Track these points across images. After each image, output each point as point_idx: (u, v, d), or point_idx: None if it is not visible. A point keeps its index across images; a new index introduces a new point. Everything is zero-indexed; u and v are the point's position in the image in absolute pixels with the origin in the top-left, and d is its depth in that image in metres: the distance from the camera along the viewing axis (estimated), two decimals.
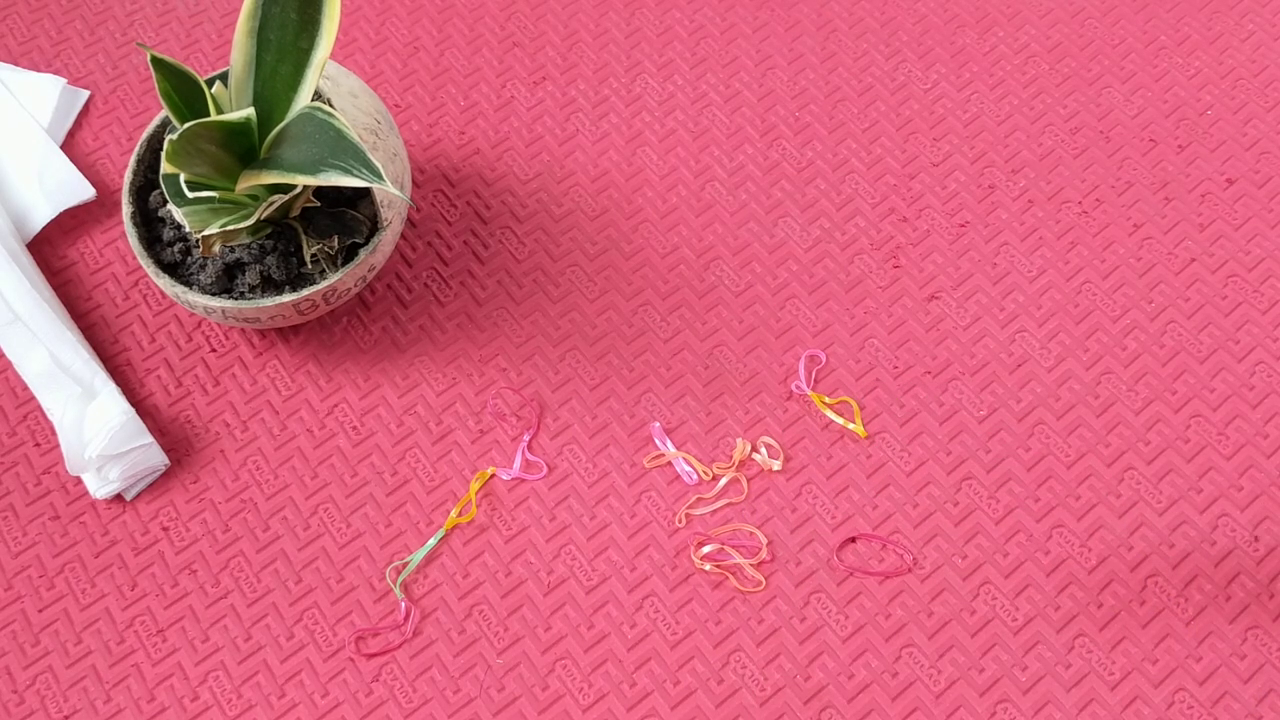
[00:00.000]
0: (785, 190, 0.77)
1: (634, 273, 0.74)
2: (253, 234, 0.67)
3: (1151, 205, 0.76)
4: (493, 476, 0.68)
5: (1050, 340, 0.72)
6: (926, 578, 0.66)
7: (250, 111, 0.62)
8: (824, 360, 0.71)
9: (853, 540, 0.67)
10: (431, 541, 0.67)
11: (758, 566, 0.66)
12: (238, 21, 0.64)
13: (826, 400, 0.70)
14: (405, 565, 0.66)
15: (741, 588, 0.65)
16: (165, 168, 0.60)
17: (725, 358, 0.72)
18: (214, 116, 0.61)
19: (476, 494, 0.68)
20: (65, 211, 0.76)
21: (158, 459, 0.68)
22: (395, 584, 0.66)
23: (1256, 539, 0.66)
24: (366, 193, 0.69)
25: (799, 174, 0.77)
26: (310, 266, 0.67)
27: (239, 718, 0.63)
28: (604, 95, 0.81)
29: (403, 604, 0.65)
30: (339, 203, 0.68)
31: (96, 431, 0.67)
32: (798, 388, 0.71)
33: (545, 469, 0.69)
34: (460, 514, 0.67)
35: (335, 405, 0.71)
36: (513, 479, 0.68)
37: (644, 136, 0.79)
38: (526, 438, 0.69)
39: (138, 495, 0.69)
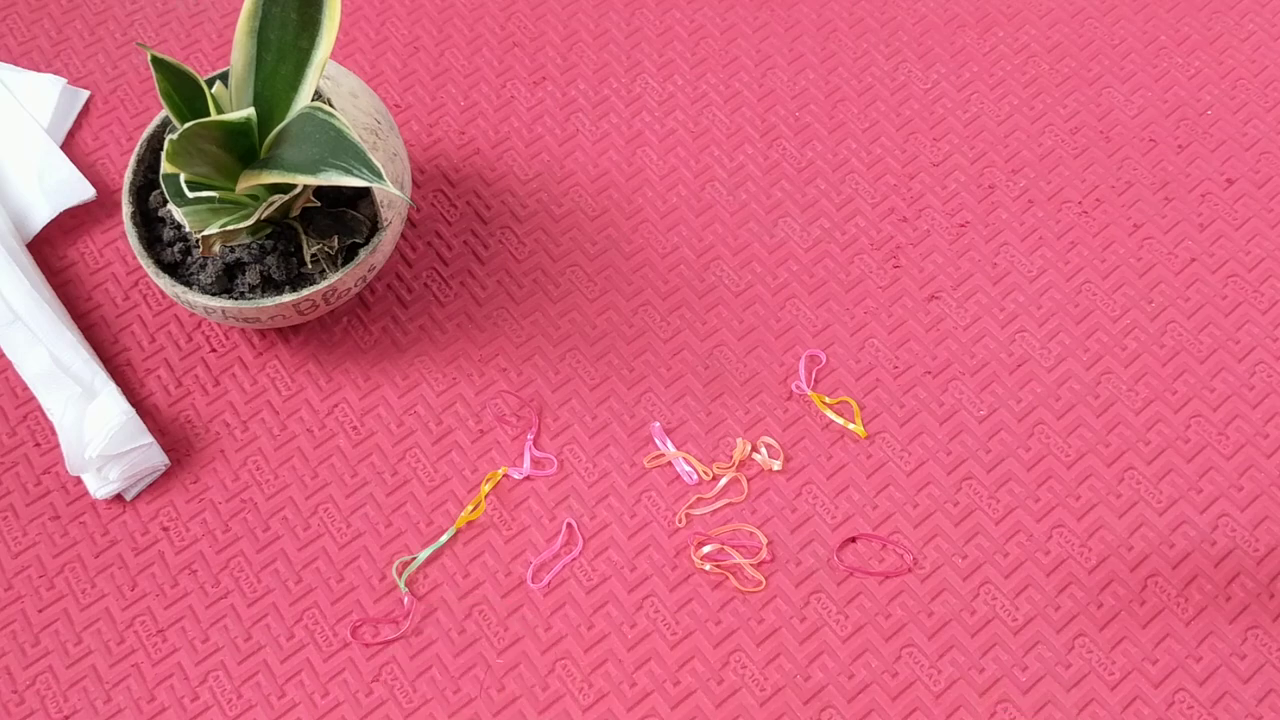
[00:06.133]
0: (785, 190, 0.77)
1: (634, 273, 0.74)
2: (253, 234, 0.67)
3: (1151, 205, 0.76)
4: (505, 477, 0.68)
5: (1050, 340, 0.72)
6: (926, 578, 0.66)
7: (250, 111, 0.62)
8: (824, 360, 0.71)
9: (853, 540, 0.67)
10: (444, 538, 0.66)
11: (758, 566, 0.66)
12: (238, 21, 0.64)
13: (826, 400, 0.70)
14: (411, 560, 0.66)
15: (741, 588, 0.65)
16: (165, 168, 0.60)
17: (725, 358, 0.72)
18: (214, 116, 0.61)
19: (485, 495, 0.68)
20: (65, 211, 0.76)
21: (158, 459, 0.68)
22: (400, 578, 0.66)
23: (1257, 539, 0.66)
24: (366, 193, 0.69)
25: (799, 174, 0.77)
26: (310, 266, 0.67)
27: (239, 718, 0.63)
28: (604, 95, 0.81)
29: (405, 598, 0.65)
30: (339, 203, 0.68)
31: (96, 431, 0.67)
32: (798, 388, 0.71)
33: (555, 464, 0.69)
34: (473, 510, 0.67)
35: (335, 405, 0.71)
36: (524, 476, 0.68)
37: (644, 136, 0.79)
38: (530, 435, 0.69)
39: (138, 495, 0.69)
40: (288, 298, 0.66)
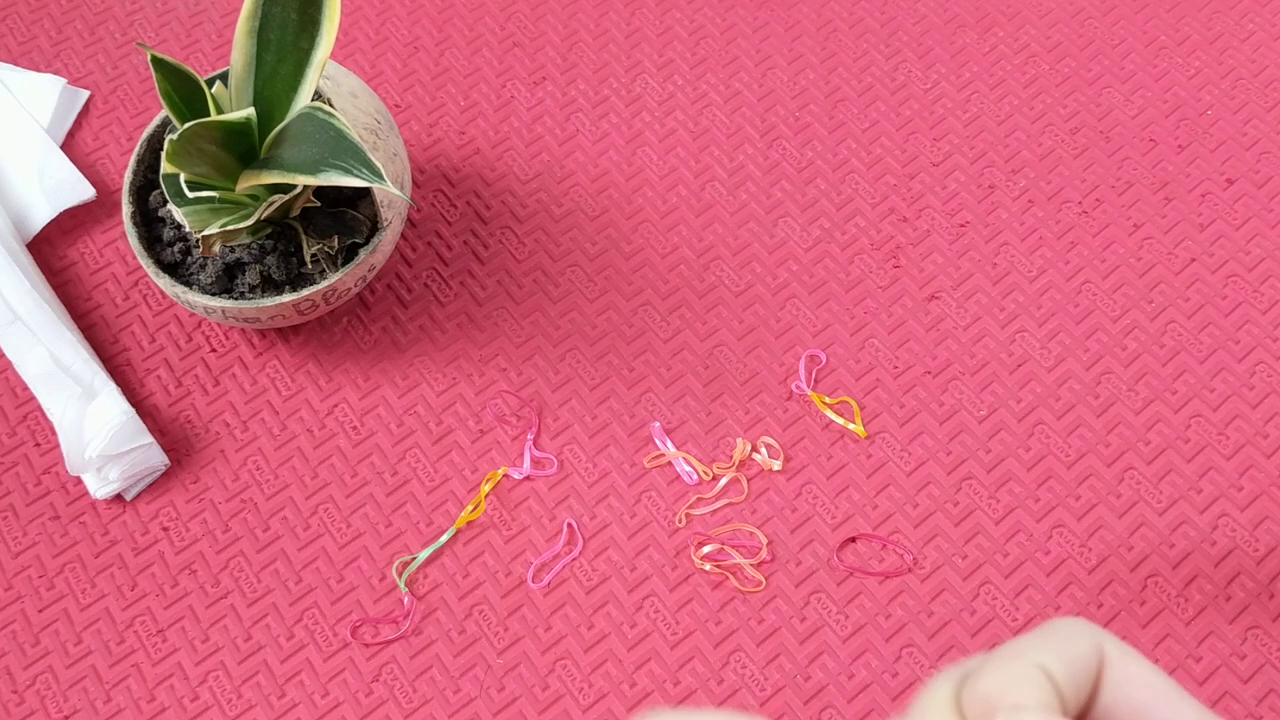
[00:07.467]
0: (785, 190, 0.77)
1: (634, 273, 0.74)
2: (253, 234, 0.67)
3: (1151, 205, 0.76)
4: (505, 476, 0.68)
5: (1050, 340, 0.72)
6: (926, 578, 0.66)
7: (250, 111, 0.62)
8: (824, 360, 0.71)
9: (853, 540, 0.67)
10: (444, 538, 0.66)
11: (758, 566, 0.66)
12: (238, 21, 0.64)
13: (826, 400, 0.70)
14: (411, 560, 0.66)
15: (741, 588, 0.65)
16: (165, 168, 0.60)
17: (725, 358, 0.72)
18: (214, 116, 0.61)
19: (484, 494, 0.68)
20: (65, 211, 0.76)
21: (158, 459, 0.68)
22: (400, 578, 0.66)
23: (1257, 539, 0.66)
24: (366, 193, 0.69)
25: (799, 174, 0.77)
26: (310, 266, 0.67)
27: (239, 718, 0.63)
28: (604, 95, 0.81)
29: (405, 598, 0.65)
30: (339, 203, 0.68)
31: (96, 431, 0.67)
32: (798, 388, 0.71)
33: (555, 464, 0.69)
34: (473, 510, 0.67)
35: (335, 405, 0.71)
36: (524, 476, 0.68)
37: (644, 136, 0.79)
38: (530, 435, 0.69)
39: (138, 495, 0.69)
40: (288, 298, 0.66)
